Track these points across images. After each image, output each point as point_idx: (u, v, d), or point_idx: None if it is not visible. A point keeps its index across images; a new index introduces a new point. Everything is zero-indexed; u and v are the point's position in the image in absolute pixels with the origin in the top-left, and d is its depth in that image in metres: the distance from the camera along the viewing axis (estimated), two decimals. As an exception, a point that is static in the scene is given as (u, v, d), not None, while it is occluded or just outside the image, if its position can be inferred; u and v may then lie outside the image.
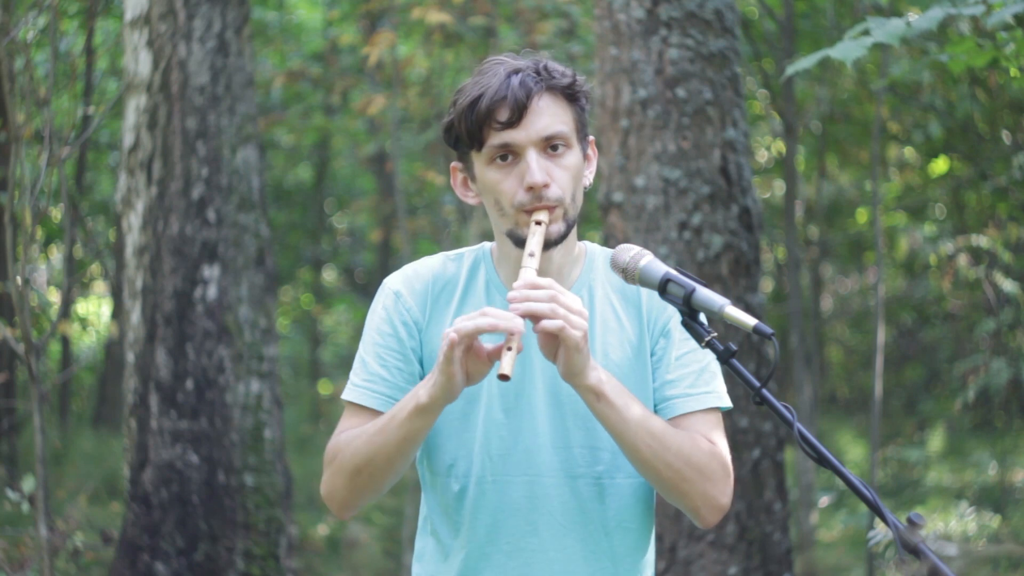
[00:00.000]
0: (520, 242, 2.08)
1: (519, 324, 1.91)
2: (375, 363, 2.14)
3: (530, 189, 2.05)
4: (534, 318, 1.94)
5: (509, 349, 1.91)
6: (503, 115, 2.05)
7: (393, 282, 2.20)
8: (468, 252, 2.23)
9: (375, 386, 2.13)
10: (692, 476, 2.03)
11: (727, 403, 2.15)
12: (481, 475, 2.13)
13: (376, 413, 2.12)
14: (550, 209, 2.06)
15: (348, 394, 2.15)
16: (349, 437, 2.09)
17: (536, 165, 2.05)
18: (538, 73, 2.08)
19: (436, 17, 6.94)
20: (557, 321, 1.92)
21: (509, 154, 2.07)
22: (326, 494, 2.12)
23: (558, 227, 2.07)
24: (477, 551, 2.15)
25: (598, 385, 1.99)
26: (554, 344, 1.98)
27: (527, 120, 2.05)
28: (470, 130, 2.07)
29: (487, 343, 1.96)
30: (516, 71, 2.07)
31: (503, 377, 1.89)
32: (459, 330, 1.92)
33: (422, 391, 1.99)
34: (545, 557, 2.13)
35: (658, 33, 4.23)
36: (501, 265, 2.18)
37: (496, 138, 2.06)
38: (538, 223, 2.05)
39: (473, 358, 1.96)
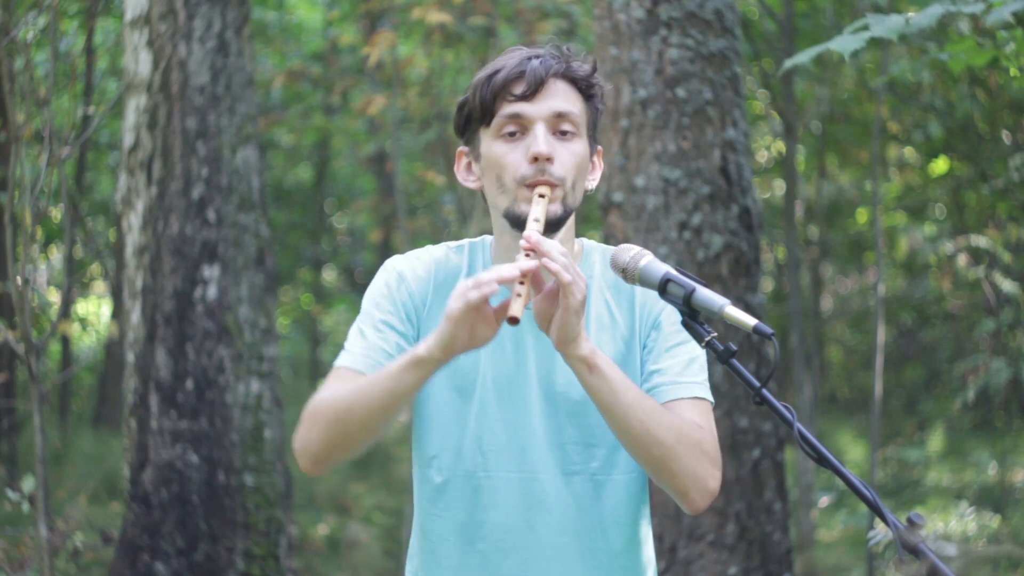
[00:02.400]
0: (516, 222, 2.08)
1: (530, 264, 1.91)
2: (374, 334, 2.11)
3: (535, 160, 2.05)
4: (536, 280, 1.94)
5: (518, 296, 1.90)
6: (518, 88, 2.07)
7: (397, 263, 2.18)
8: (469, 243, 2.23)
9: (372, 354, 2.09)
10: (682, 454, 2.01)
11: (711, 398, 2.14)
12: (472, 471, 2.12)
13: None
14: (552, 186, 2.06)
15: (342, 360, 2.11)
16: (332, 389, 2.05)
17: (543, 137, 2.06)
18: (559, 56, 2.11)
19: (436, 17, 6.94)
20: (567, 275, 1.91)
21: (517, 129, 2.08)
22: (299, 447, 2.05)
23: (555, 208, 2.07)
24: (470, 548, 2.14)
25: (591, 356, 1.97)
26: (552, 308, 1.96)
27: (541, 96, 2.07)
28: (483, 101, 2.08)
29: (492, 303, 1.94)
30: (537, 55, 2.11)
31: (512, 320, 1.88)
32: (476, 286, 1.89)
33: (421, 345, 1.95)
34: (541, 555, 2.12)
35: (658, 33, 4.23)
36: (499, 256, 2.17)
37: (508, 108, 2.07)
38: (541, 196, 2.05)
39: (480, 318, 1.93)
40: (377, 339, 2.11)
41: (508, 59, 2.11)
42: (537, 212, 2.03)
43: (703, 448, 2.04)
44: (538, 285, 1.97)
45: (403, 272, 2.16)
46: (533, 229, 2.00)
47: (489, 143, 2.10)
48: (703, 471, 2.04)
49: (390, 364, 1.99)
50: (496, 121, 2.09)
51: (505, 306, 1.92)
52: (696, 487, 2.04)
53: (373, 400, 1.97)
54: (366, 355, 2.09)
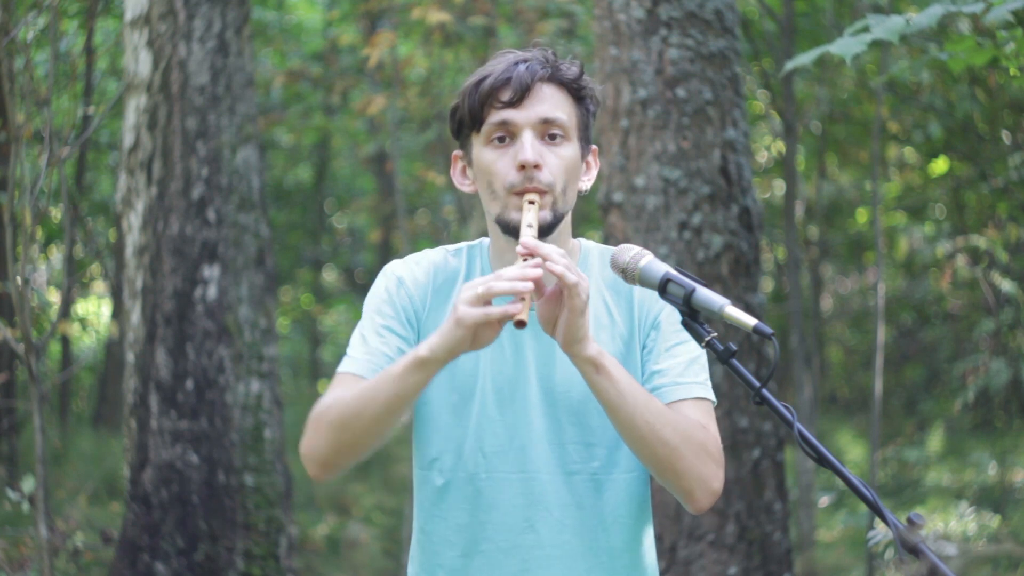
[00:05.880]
0: (508, 228, 2.09)
1: (536, 272, 1.91)
2: (376, 339, 2.12)
3: (522, 168, 2.06)
4: (537, 284, 1.93)
5: (522, 300, 1.90)
6: (505, 95, 2.07)
7: (396, 267, 2.20)
8: (467, 247, 2.24)
9: (374, 359, 2.10)
10: (687, 454, 2.02)
11: (713, 398, 2.15)
12: (474, 472, 2.13)
13: None
14: (540, 193, 2.06)
15: (345, 365, 2.12)
16: (337, 395, 2.05)
17: (530, 144, 2.06)
18: (546, 60, 2.11)
19: (436, 17, 6.94)
20: (572, 275, 1.91)
21: (506, 135, 2.08)
22: (306, 452, 2.06)
23: (545, 214, 2.07)
24: (472, 548, 2.14)
25: (598, 356, 1.98)
26: (555, 311, 1.97)
27: (528, 102, 2.07)
28: (472, 108, 2.09)
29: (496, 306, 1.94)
30: (524, 60, 2.11)
31: (519, 324, 1.88)
32: (477, 296, 1.89)
33: (423, 346, 1.96)
34: (542, 554, 2.13)
35: (658, 33, 4.23)
36: (496, 259, 2.18)
37: (495, 115, 2.08)
38: (531, 202, 2.06)
39: (485, 323, 1.93)
40: (379, 344, 2.12)
41: (496, 64, 2.11)
42: (530, 218, 2.04)
43: (707, 449, 2.05)
44: (540, 289, 1.97)
45: (402, 276, 2.17)
46: (528, 235, 2.01)
47: (480, 149, 2.11)
48: (707, 471, 2.05)
49: (392, 367, 1.99)
50: (485, 128, 2.09)
51: (510, 307, 1.92)
52: (700, 487, 2.05)
53: (378, 404, 1.98)
54: (368, 360, 2.10)
